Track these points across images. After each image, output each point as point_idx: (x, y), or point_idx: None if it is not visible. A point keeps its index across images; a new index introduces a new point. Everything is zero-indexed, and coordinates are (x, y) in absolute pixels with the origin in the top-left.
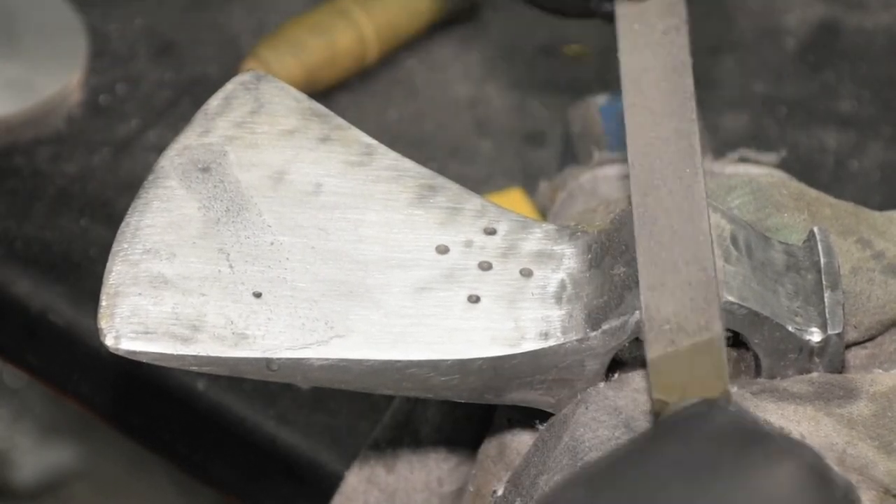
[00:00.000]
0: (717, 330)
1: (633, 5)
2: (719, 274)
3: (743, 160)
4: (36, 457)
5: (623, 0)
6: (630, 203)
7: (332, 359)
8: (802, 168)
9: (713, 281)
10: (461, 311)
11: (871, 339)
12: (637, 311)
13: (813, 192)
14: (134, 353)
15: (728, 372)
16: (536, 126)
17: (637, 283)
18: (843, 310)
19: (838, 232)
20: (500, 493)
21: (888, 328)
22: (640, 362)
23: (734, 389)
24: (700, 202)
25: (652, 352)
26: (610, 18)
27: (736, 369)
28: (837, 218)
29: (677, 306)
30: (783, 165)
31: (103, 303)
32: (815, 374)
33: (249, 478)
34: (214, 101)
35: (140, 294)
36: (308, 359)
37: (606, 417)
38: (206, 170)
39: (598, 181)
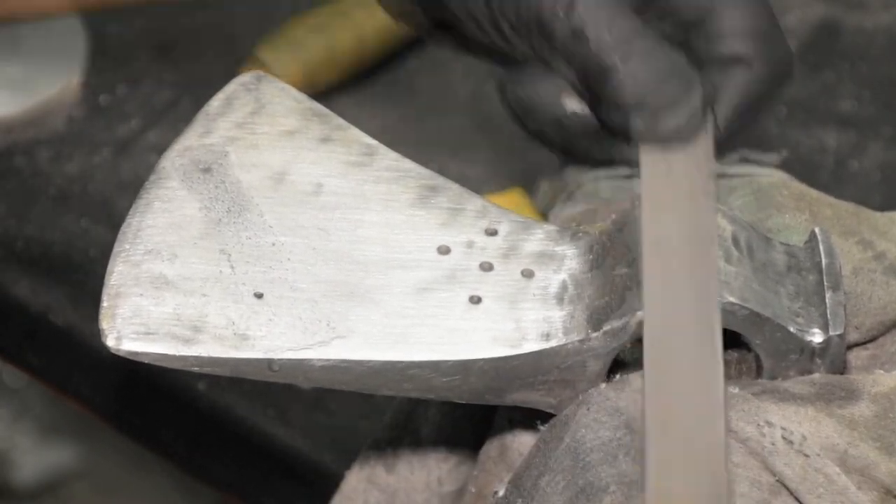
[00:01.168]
0: None
1: (658, 155)
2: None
3: (743, 160)
4: (36, 457)
5: (647, 146)
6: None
7: (334, 359)
8: (802, 168)
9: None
10: (462, 312)
11: (872, 339)
12: (639, 312)
13: (814, 193)
14: (135, 353)
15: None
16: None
17: (638, 283)
18: (845, 311)
19: (839, 233)
20: (501, 493)
21: (889, 329)
22: (642, 363)
23: (735, 390)
24: (717, 405)
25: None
26: (634, 164)
27: (737, 370)
28: (838, 218)
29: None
30: (783, 165)
31: (105, 303)
32: (816, 375)
33: (249, 478)
34: (215, 102)
35: (141, 295)
36: (309, 359)
37: (608, 418)
38: (207, 170)
39: (598, 181)
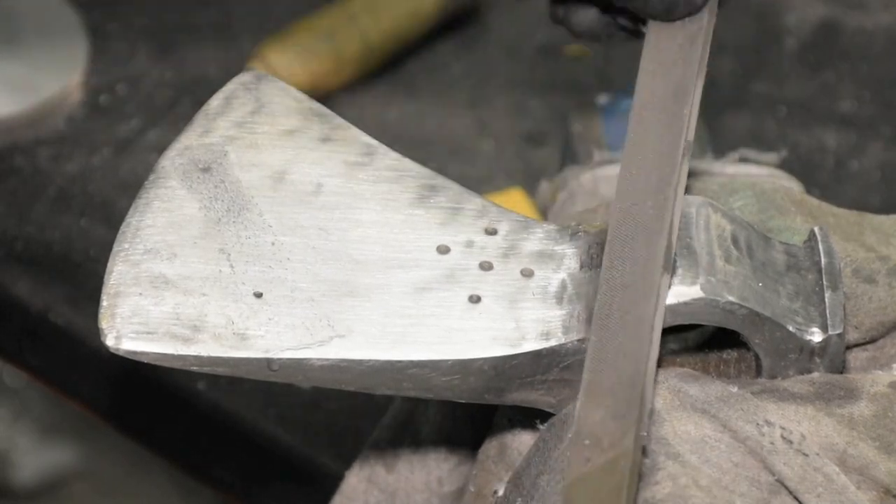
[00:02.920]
0: (628, 445)
1: (665, 27)
2: (660, 320)
3: (743, 160)
4: (36, 457)
5: (655, 21)
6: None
7: (333, 359)
8: (802, 168)
9: (641, 378)
10: (462, 312)
11: (872, 340)
12: None
13: (815, 202)
14: (135, 353)
15: (630, 501)
16: (536, 126)
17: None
18: (844, 310)
19: (842, 237)
20: (500, 493)
21: (890, 330)
22: None
23: (735, 390)
24: (652, 289)
25: (568, 472)
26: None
27: (736, 369)
28: (840, 226)
29: (604, 412)
30: (783, 165)
31: (104, 303)
32: (815, 375)
33: (249, 478)
34: (215, 102)
35: (141, 294)
36: (309, 359)
37: None
38: (206, 170)
39: (598, 181)
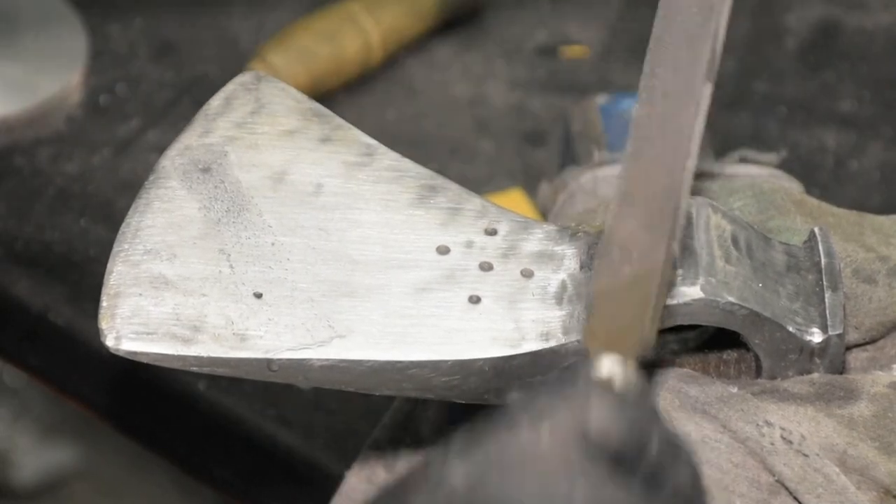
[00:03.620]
0: (658, 258)
1: None
2: (685, 196)
3: (743, 160)
4: (36, 457)
5: None
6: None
7: (333, 359)
8: (802, 168)
9: (677, 190)
10: (462, 312)
11: (872, 341)
12: None
13: (815, 202)
14: (135, 353)
15: (656, 319)
16: (536, 126)
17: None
18: (844, 311)
19: (842, 238)
20: None
21: (890, 330)
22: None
23: (735, 390)
24: (693, 98)
25: (595, 284)
26: None
27: (737, 370)
28: (840, 226)
29: (636, 223)
30: (783, 165)
31: (104, 303)
32: (815, 375)
33: (249, 478)
34: (215, 102)
35: (141, 294)
36: (309, 359)
37: None
38: (206, 170)
39: (598, 181)
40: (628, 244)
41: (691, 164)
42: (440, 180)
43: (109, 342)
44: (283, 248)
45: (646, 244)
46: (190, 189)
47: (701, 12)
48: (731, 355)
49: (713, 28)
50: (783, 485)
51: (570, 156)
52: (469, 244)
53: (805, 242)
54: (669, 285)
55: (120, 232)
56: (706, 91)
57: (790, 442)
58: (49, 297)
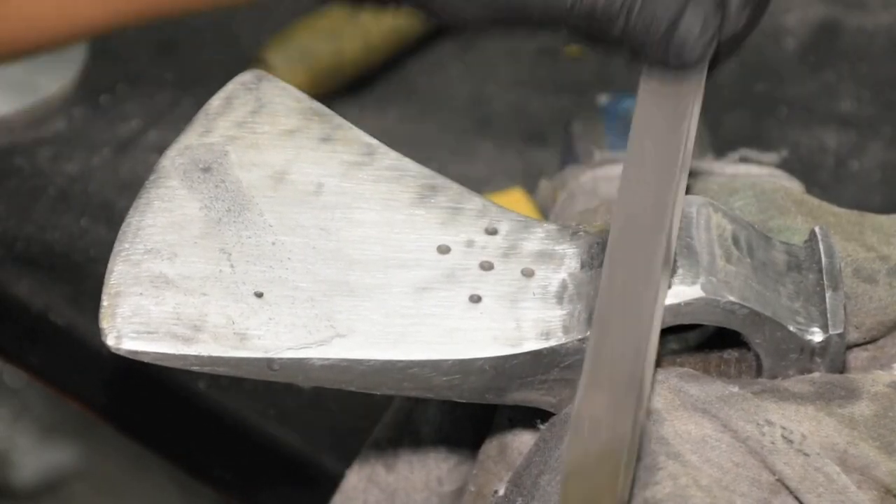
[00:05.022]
0: (625, 430)
1: (659, 85)
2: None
3: (743, 160)
4: (36, 457)
5: (649, 77)
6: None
7: (334, 359)
8: (802, 168)
9: (640, 372)
10: (462, 311)
11: (872, 340)
12: None
13: (815, 201)
14: (135, 353)
15: (627, 483)
16: (536, 126)
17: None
18: (845, 310)
19: (843, 237)
20: (501, 492)
21: (890, 330)
22: None
23: (735, 389)
24: (652, 289)
25: (566, 458)
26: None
27: (737, 369)
28: (841, 226)
29: (602, 401)
30: (783, 165)
31: (105, 303)
32: (816, 375)
33: (249, 478)
34: (215, 101)
35: (141, 294)
36: (309, 359)
37: None
38: (207, 170)
39: (598, 181)
40: (597, 419)
41: (652, 353)
42: (440, 180)
43: (110, 341)
44: (283, 248)
45: (613, 419)
46: (190, 188)
47: (655, 210)
48: (731, 355)
49: (668, 223)
50: (784, 484)
51: (570, 156)
52: (470, 243)
53: (805, 242)
54: (638, 452)
55: (120, 231)
56: (664, 281)
57: (791, 441)
58: (49, 297)
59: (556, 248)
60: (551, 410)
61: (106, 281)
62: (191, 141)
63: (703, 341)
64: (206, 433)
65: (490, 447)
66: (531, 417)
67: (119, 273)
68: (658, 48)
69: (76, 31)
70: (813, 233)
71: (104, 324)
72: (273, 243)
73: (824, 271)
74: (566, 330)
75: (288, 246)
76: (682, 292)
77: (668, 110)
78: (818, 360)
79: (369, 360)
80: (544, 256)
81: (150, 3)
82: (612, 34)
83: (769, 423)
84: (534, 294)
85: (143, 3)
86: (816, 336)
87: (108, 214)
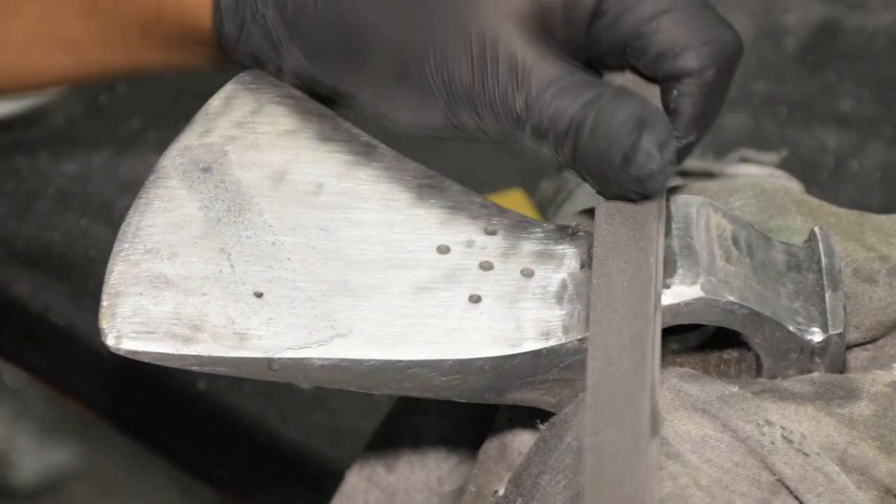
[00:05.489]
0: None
1: (618, 208)
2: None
3: (743, 160)
4: (36, 457)
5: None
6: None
7: (334, 358)
8: (802, 168)
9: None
10: (462, 311)
11: (872, 340)
12: None
13: (815, 201)
14: (135, 353)
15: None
16: None
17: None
18: (845, 310)
19: (843, 237)
20: (501, 492)
21: (890, 330)
22: None
23: (735, 389)
24: (642, 457)
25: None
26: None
27: (737, 369)
28: (840, 226)
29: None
30: (783, 165)
31: (104, 303)
32: (816, 374)
33: (249, 478)
34: (215, 101)
35: (141, 294)
36: (309, 358)
37: None
38: (206, 170)
39: None
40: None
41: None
42: (440, 180)
43: (110, 341)
44: (283, 248)
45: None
46: (190, 188)
47: (633, 365)
48: (731, 354)
49: (648, 381)
50: (784, 484)
51: None
52: (469, 243)
53: (805, 242)
54: None
55: (120, 231)
56: (654, 448)
57: (791, 441)
58: (49, 297)
59: (556, 248)
60: (551, 410)
61: (106, 281)
62: (190, 141)
63: (703, 341)
64: (206, 433)
65: (490, 447)
66: (531, 417)
67: (119, 273)
68: (615, 178)
69: (43, 82)
70: (813, 233)
71: (104, 324)
72: (273, 243)
73: (824, 271)
74: (566, 330)
75: (288, 246)
76: (681, 292)
77: (632, 236)
78: (818, 360)
79: (369, 360)
80: (544, 256)
81: (117, 62)
82: (562, 154)
83: (769, 422)
84: (533, 294)
85: (111, 63)
86: (816, 336)
87: (108, 214)
